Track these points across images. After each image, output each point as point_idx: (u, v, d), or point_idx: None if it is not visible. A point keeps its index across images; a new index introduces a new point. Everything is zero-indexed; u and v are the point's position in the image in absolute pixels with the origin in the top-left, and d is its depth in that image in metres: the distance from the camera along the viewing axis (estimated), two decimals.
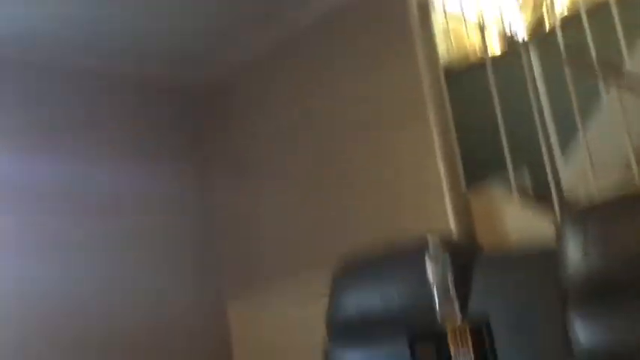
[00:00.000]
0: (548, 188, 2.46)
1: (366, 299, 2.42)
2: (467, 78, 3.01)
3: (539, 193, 2.68)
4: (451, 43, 3.20)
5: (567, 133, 3.28)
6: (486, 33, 2.89)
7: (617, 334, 1.75)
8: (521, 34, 3.28)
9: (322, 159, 3.09)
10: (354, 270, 2.54)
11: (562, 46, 2.50)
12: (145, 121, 3.44)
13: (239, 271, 3.44)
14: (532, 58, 2.72)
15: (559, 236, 1.93)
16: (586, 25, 2.49)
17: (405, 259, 2.35)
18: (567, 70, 2.46)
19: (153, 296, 3.19)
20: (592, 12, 2.59)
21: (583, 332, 1.81)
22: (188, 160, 3.53)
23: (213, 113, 3.64)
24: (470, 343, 1.76)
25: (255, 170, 3.42)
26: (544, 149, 2.47)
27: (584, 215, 1.89)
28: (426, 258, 1.94)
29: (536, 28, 3.29)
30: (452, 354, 1.79)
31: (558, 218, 2.16)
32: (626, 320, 1.74)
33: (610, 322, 1.77)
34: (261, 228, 3.35)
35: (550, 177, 2.45)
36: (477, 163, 2.80)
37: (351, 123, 2.98)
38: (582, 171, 2.49)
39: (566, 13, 3.13)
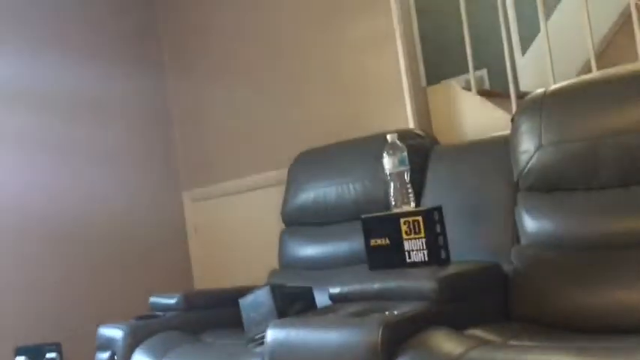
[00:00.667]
0: (507, 87, 2.48)
1: (322, 189, 2.45)
2: None
3: (498, 92, 2.70)
4: None
5: (527, 36, 3.30)
6: None
7: (563, 225, 1.82)
8: None
9: (278, 53, 3.02)
10: (311, 161, 2.56)
11: None
12: (94, 22, 3.33)
13: (196, 167, 3.44)
14: None
15: (514, 127, 1.96)
16: None
17: (362, 151, 2.37)
18: None
19: (117, 191, 3.30)
20: None
21: (530, 222, 1.88)
22: (144, 61, 3.47)
23: (165, 6, 3.50)
24: (422, 229, 1.82)
25: (210, 68, 3.33)
26: (505, 47, 2.46)
27: (539, 105, 1.91)
28: (385, 149, 1.97)
29: None
30: (404, 239, 1.85)
31: (514, 110, 2.19)
32: (574, 213, 1.81)
33: (557, 214, 1.84)
34: (217, 125, 3.32)
35: (510, 76, 2.46)
36: (438, 64, 2.78)
37: (307, 13, 2.89)
38: (541, 69, 2.50)
39: None
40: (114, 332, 2.19)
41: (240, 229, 3.20)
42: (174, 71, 3.51)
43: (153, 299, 2.42)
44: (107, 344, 2.19)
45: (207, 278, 3.37)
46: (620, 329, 1.52)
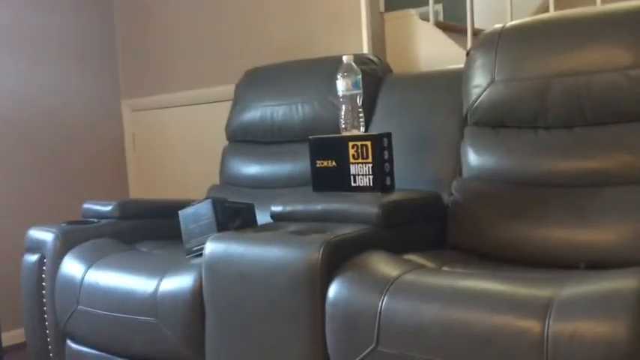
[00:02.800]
0: (462, 24, 2.46)
1: (270, 107, 2.40)
2: None
3: (455, 25, 2.68)
4: None
5: None
6: None
7: (506, 161, 1.85)
8: None
9: None
10: (261, 78, 2.49)
11: None
12: None
13: (139, 75, 3.30)
14: None
15: (468, 61, 1.96)
16: None
17: (316, 71, 2.32)
18: None
19: (55, 90, 3.18)
20: None
21: (474, 156, 1.91)
22: None
23: None
24: (370, 154, 1.81)
25: None
26: None
27: (495, 41, 1.90)
28: (338, 72, 1.92)
29: None
30: (351, 163, 1.84)
31: (469, 46, 2.18)
32: (517, 151, 1.84)
33: (501, 151, 1.87)
34: (165, 33, 3.17)
35: (468, 10, 2.43)
36: None
37: None
38: (499, 7, 2.49)
39: None
40: (44, 235, 2.12)
41: (181, 143, 3.13)
42: None
43: (86, 205, 2.35)
44: (36, 247, 2.12)
45: (144, 190, 3.31)
46: (553, 263, 1.58)
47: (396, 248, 1.62)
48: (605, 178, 1.66)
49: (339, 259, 1.51)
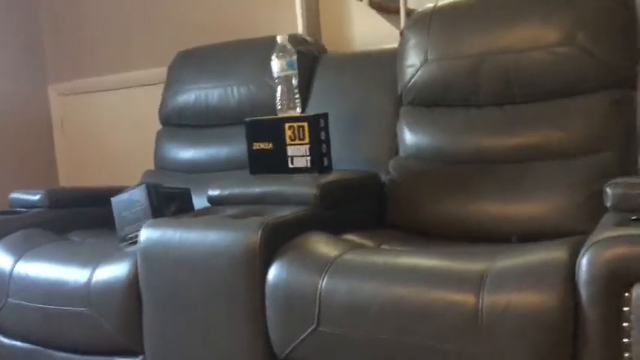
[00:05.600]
0: (397, 2, 2.47)
1: (204, 90, 2.35)
2: None
3: (389, 5, 2.68)
4: None
5: None
6: None
7: (440, 140, 1.88)
8: None
9: None
10: (194, 59, 2.43)
11: None
12: None
13: (65, 59, 3.17)
14: None
15: (402, 41, 1.97)
16: None
17: (250, 52, 2.29)
18: None
19: None
20: None
21: (410, 135, 1.93)
22: None
23: None
24: (307, 135, 1.81)
25: None
26: None
27: (428, 20, 1.92)
28: (274, 53, 1.90)
29: None
30: (288, 145, 1.83)
31: (402, 25, 2.19)
32: (451, 129, 1.87)
33: (435, 129, 1.90)
34: (92, 14, 3.05)
35: None
36: None
37: None
38: None
39: None
40: None
41: (112, 129, 3.03)
42: None
43: (13, 195, 2.25)
44: None
45: (74, 178, 3.19)
46: (488, 237, 1.62)
47: (335, 229, 1.62)
48: (534, 154, 1.71)
49: (278, 241, 1.50)
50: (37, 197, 2.19)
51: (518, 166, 1.72)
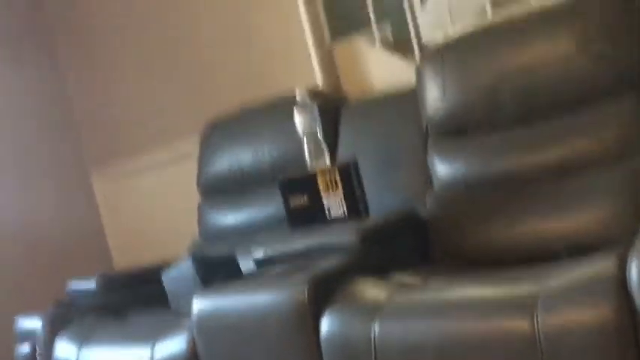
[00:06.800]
0: (410, 38, 2.50)
1: (237, 156, 2.42)
2: None
3: (401, 42, 2.73)
4: None
5: None
6: None
7: (473, 166, 1.88)
8: None
9: (184, 18, 2.92)
10: (223, 129, 2.51)
11: None
12: None
13: (103, 143, 3.30)
14: None
15: (419, 76, 2.00)
16: None
17: (274, 113, 2.35)
18: None
19: (19, 186, 3.14)
20: None
21: (442, 167, 1.94)
22: (37, 43, 3.27)
23: None
24: (339, 185, 1.83)
25: (109, 37, 3.18)
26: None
27: (441, 53, 1.95)
28: (295, 110, 1.95)
29: None
30: (322, 196, 1.86)
31: (418, 61, 2.22)
32: (481, 154, 1.87)
33: (466, 157, 1.90)
34: (122, 98, 3.19)
35: (411, 26, 2.48)
36: (341, 20, 2.77)
37: None
38: (440, 18, 2.54)
39: None
40: (32, 322, 2.09)
41: (156, 206, 3.12)
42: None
43: (70, 286, 2.33)
44: (26, 336, 2.10)
45: (128, 259, 3.27)
46: (535, 256, 1.59)
47: (380, 270, 1.62)
48: (567, 166, 1.69)
49: (325, 293, 1.51)
50: (91, 284, 2.26)
51: (554, 180, 1.70)
